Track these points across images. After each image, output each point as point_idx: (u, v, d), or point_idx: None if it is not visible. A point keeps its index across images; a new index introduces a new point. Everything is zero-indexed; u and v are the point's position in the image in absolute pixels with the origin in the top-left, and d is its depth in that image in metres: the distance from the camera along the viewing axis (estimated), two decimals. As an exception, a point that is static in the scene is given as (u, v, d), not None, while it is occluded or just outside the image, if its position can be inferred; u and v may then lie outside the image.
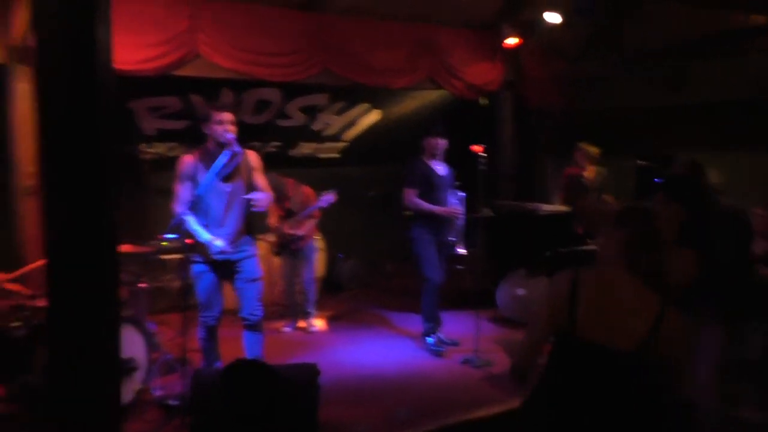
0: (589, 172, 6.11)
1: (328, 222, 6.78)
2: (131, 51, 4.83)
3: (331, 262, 6.89)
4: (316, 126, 7.02)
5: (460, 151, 5.07)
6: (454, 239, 4.88)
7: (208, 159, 3.76)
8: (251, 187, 3.88)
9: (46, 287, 2.19)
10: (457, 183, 5.05)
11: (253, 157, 3.95)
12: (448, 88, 6.54)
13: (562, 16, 6.17)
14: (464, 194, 4.94)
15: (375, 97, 6.88)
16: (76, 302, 2.18)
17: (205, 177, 3.68)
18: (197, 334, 4.00)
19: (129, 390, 3.72)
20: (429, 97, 7.19)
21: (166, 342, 4.75)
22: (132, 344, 3.82)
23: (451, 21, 6.43)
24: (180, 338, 3.88)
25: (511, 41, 6.55)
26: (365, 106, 7.03)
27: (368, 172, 6.10)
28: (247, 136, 6.67)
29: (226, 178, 3.78)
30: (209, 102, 6.11)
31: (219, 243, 3.76)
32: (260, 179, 3.92)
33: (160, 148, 6.15)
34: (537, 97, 7.09)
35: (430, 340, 4.93)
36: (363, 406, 3.84)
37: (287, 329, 5.65)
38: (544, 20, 6.19)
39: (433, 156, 4.97)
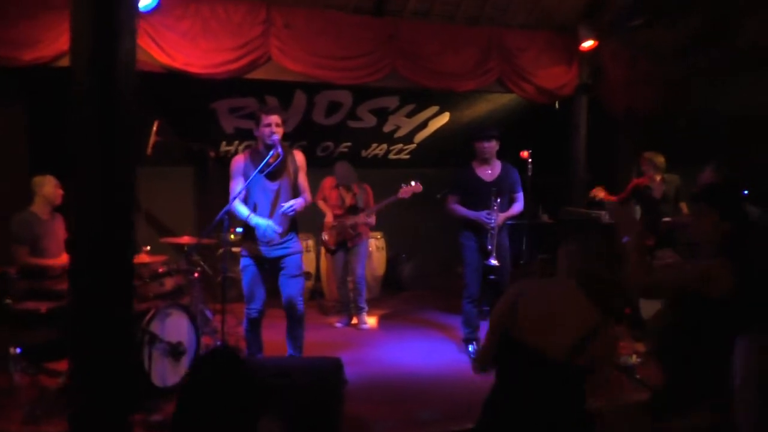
0: (657, 182, 5.79)
1: (394, 222, 6.89)
2: (208, 56, 5.17)
3: (393, 262, 6.99)
4: (386, 128, 7.14)
5: (534, 157, 5.00)
6: (489, 247, 4.74)
7: (257, 158, 3.98)
8: (296, 186, 4.04)
9: (69, 285, 2.44)
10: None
11: (299, 157, 4.13)
12: (518, 92, 6.42)
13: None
14: (498, 200, 4.76)
15: (445, 99, 6.89)
16: (93, 299, 2.42)
17: (252, 175, 3.89)
18: (242, 325, 4.23)
19: (176, 372, 4.00)
20: (501, 100, 7.09)
21: (228, 330, 5.05)
22: (181, 329, 4.11)
23: (524, 23, 6.31)
24: (237, 327, 4.16)
25: (588, 44, 6.32)
26: (435, 108, 7.06)
27: (437, 174, 6.11)
28: (319, 136, 6.98)
29: (272, 177, 3.98)
30: (282, 103, 6.42)
31: (263, 222, 3.93)
32: (303, 180, 4.08)
33: (234, 146, 6.52)
34: (620, 101, 6.79)
35: (470, 347, 4.89)
36: (389, 405, 3.91)
37: (339, 325, 5.82)
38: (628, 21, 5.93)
39: (483, 160, 4.88)
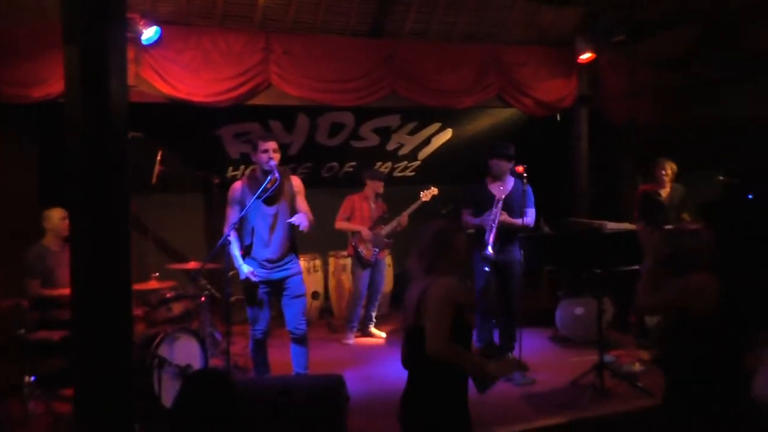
0: (666, 190, 5.82)
1: (400, 239, 6.97)
2: (210, 85, 5.34)
3: (400, 278, 7.07)
4: (389, 146, 7.27)
5: (537, 169, 5.08)
6: (486, 238, 4.84)
7: (254, 185, 4.11)
8: (294, 210, 4.17)
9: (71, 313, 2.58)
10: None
11: (296, 182, 4.26)
12: (517, 106, 6.50)
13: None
14: (500, 203, 4.89)
15: (447, 116, 6.99)
16: (92, 327, 2.54)
17: (250, 200, 4.02)
18: (249, 346, 4.34)
19: (185, 393, 4.11)
20: (504, 114, 7.17)
21: (238, 351, 5.17)
22: (190, 353, 4.24)
23: (521, 39, 6.41)
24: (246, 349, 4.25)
25: (586, 56, 6.40)
26: (437, 125, 7.17)
27: (443, 190, 6.21)
28: (324, 157, 7.12)
29: (270, 201, 4.11)
30: (286, 127, 6.58)
31: (246, 269, 4.13)
32: (302, 203, 4.20)
33: (240, 170, 6.68)
34: (620, 111, 6.85)
35: None
36: (392, 419, 3.96)
37: (350, 342, 5.94)
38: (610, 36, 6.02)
39: (496, 177, 4.99)
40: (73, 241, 2.65)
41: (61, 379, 4.05)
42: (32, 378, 4.00)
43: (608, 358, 4.86)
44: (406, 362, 2.74)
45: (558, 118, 7.01)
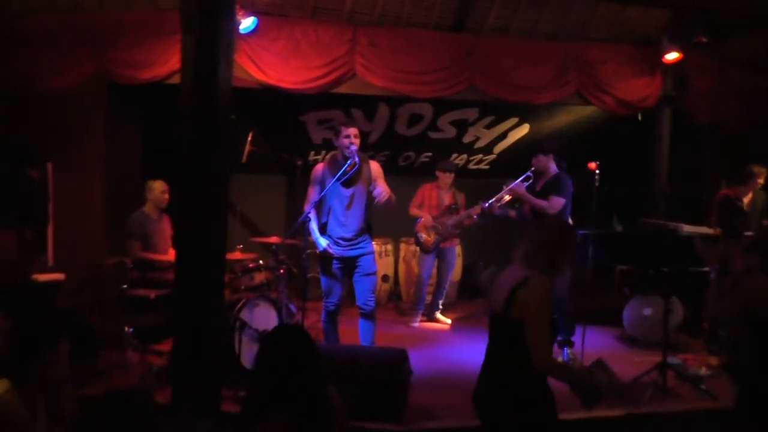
0: (749, 196, 5.77)
1: (470, 230, 7.20)
2: (298, 72, 5.74)
3: (470, 269, 7.29)
4: (466, 138, 7.48)
5: (615, 167, 5.19)
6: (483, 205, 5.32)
7: (334, 167, 4.47)
8: (370, 192, 4.49)
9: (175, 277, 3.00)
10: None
11: (374, 167, 4.58)
12: (597, 104, 6.56)
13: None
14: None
15: (525, 111, 7.12)
16: (191, 287, 2.96)
17: (330, 182, 4.38)
18: (321, 318, 4.72)
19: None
20: (584, 111, 7.22)
21: (309, 325, 5.56)
22: (268, 319, 4.66)
23: (605, 37, 6.46)
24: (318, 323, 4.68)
25: (672, 56, 6.38)
26: (515, 120, 7.31)
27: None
28: (401, 146, 7.43)
29: (347, 184, 4.45)
30: (367, 115, 6.93)
31: (323, 242, 4.48)
32: (382, 184, 4.52)
33: (322, 155, 7.10)
34: (705, 112, 6.78)
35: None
36: (452, 396, 4.24)
37: (415, 324, 6.25)
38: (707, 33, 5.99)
39: (539, 174, 5.24)
40: (179, 211, 3.06)
41: (155, 333, 4.57)
42: (130, 329, 4.53)
43: (674, 360, 4.91)
44: (491, 345, 2.85)
45: (639, 117, 7.00)
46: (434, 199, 6.33)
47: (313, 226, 4.49)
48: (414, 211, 6.36)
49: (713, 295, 5.51)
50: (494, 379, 2.72)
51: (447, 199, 6.33)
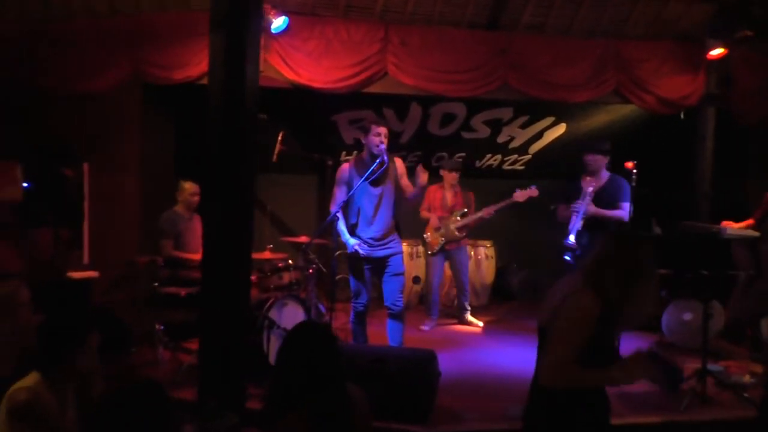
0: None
1: (504, 231, 7.16)
2: (330, 72, 5.79)
3: (503, 271, 7.24)
4: (500, 138, 7.45)
5: (654, 168, 5.07)
6: (570, 227, 4.94)
7: (361, 167, 4.50)
8: (398, 192, 4.51)
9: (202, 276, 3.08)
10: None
11: (399, 164, 4.61)
12: (637, 103, 6.44)
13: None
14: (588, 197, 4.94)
15: (562, 110, 7.06)
16: (218, 286, 3.03)
17: (357, 182, 4.42)
18: (350, 319, 4.76)
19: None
20: (622, 111, 7.12)
21: (338, 326, 5.60)
22: (296, 318, 4.71)
23: (644, 34, 6.35)
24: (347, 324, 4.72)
25: (717, 51, 6.23)
26: (551, 119, 7.26)
27: (553, 186, 6.30)
28: (434, 147, 7.44)
29: (376, 183, 4.48)
30: (398, 115, 6.95)
31: (352, 242, 4.50)
32: (407, 182, 4.55)
33: (353, 155, 7.13)
34: (753, 110, 6.59)
35: None
36: (480, 400, 4.24)
37: (426, 328, 6.24)
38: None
39: (590, 173, 5.06)
40: (206, 210, 3.14)
41: (185, 330, 4.67)
42: (161, 327, 4.64)
43: (716, 367, 4.79)
44: (538, 359, 2.62)
45: (682, 116, 6.85)
46: (438, 200, 6.32)
47: (342, 226, 4.54)
48: (424, 213, 6.38)
49: (739, 295, 5.41)
50: (539, 395, 2.47)
51: (450, 199, 6.28)
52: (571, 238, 4.90)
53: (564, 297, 2.36)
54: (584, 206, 4.89)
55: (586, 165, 5.06)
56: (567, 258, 4.98)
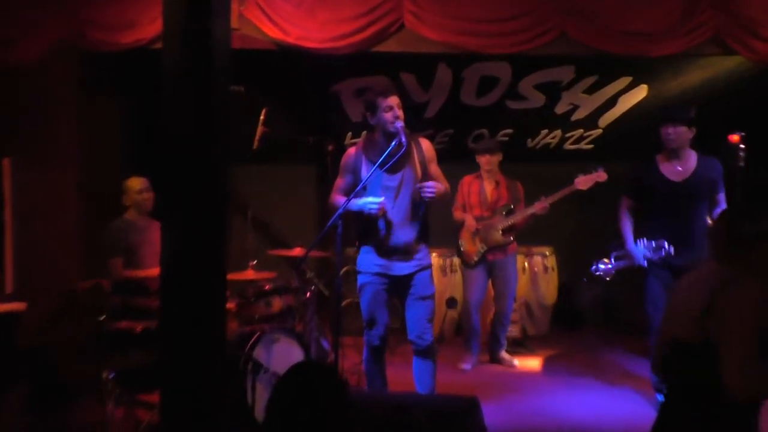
0: None
1: (568, 234, 7.09)
2: (327, 27, 5.78)
3: (568, 288, 7.20)
4: (559, 108, 7.41)
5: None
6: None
7: (372, 150, 4.48)
8: (424, 179, 4.46)
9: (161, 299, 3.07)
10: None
11: (426, 146, 4.58)
12: (745, 54, 6.32)
13: None
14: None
15: (641, 67, 6.98)
16: (180, 316, 3.01)
17: (368, 171, 4.39)
18: (363, 357, 4.74)
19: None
20: (724, 64, 7.00)
21: (348, 368, 5.59)
22: (291, 358, 4.71)
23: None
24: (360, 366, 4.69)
25: None
26: (627, 80, 7.20)
27: (632, 170, 6.24)
28: (470, 122, 7.42)
29: (392, 170, 4.43)
30: (421, 81, 6.93)
31: (374, 200, 4.33)
32: (436, 169, 4.53)
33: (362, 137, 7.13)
34: None
35: (659, 396, 5.03)
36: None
37: (467, 366, 6.24)
38: None
39: (671, 152, 5.00)
40: (164, 217, 3.10)
41: (142, 378, 4.68)
42: (111, 374, 4.66)
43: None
44: (676, 385, 2.81)
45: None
46: (475, 195, 6.26)
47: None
48: (457, 213, 6.34)
49: None
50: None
51: (491, 193, 6.23)
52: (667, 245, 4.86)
53: (712, 293, 2.58)
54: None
55: (666, 141, 4.99)
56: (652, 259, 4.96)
